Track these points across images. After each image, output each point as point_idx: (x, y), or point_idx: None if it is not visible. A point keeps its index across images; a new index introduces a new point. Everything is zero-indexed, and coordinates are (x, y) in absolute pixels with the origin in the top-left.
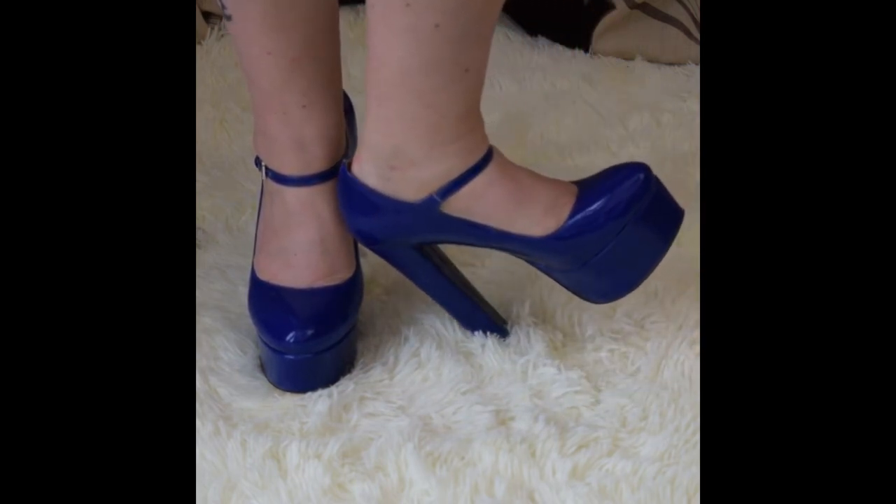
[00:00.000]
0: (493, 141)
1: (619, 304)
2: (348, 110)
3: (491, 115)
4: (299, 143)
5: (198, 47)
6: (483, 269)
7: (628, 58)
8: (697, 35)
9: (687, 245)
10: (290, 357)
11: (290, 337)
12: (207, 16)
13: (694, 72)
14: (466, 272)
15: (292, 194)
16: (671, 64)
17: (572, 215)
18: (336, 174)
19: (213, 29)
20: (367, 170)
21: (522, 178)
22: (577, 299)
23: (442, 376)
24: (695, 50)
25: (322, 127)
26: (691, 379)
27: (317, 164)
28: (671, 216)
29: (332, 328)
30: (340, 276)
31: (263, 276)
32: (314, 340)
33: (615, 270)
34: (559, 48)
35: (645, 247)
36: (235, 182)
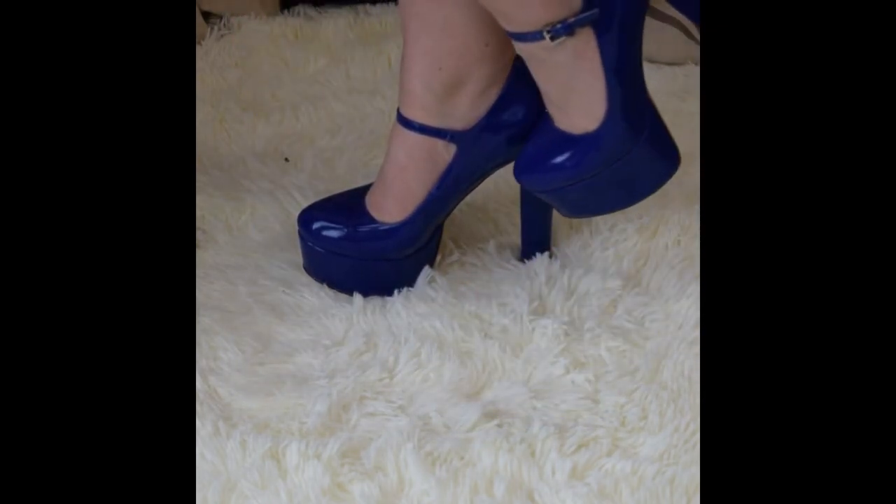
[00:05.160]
0: None
1: (620, 302)
2: None
3: None
4: None
5: (198, 47)
6: (481, 267)
7: None
8: (697, 35)
9: (687, 245)
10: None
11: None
12: (207, 16)
13: (694, 72)
14: (465, 270)
15: None
16: (671, 64)
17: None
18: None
19: (213, 29)
20: None
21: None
22: (576, 295)
23: (442, 376)
24: (695, 50)
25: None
26: (691, 379)
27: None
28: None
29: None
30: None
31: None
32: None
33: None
34: None
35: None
36: (235, 182)
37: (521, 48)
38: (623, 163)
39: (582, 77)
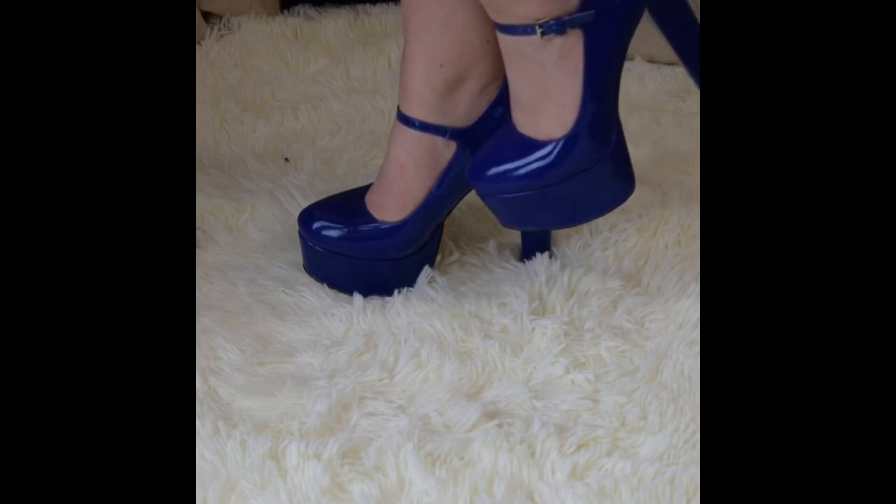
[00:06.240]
0: None
1: (620, 302)
2: None
3: None
4: None
5: (198, 47)
6: (481, 267)
7: (628, 58)
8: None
9: (687, 245)
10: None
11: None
12: (207, 16)
13: None
14: (465, 270)
15: None
16: (671, 64)
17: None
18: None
19: (213, 29)
20: None
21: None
22: (576, 295)
23: (442, 376)
24: None
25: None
26: (691, 379)
27: None
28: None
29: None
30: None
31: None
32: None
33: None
34: None
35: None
36: (235, 182)
37: (506, 42)
38: (581, 178)
39: (560, 79)
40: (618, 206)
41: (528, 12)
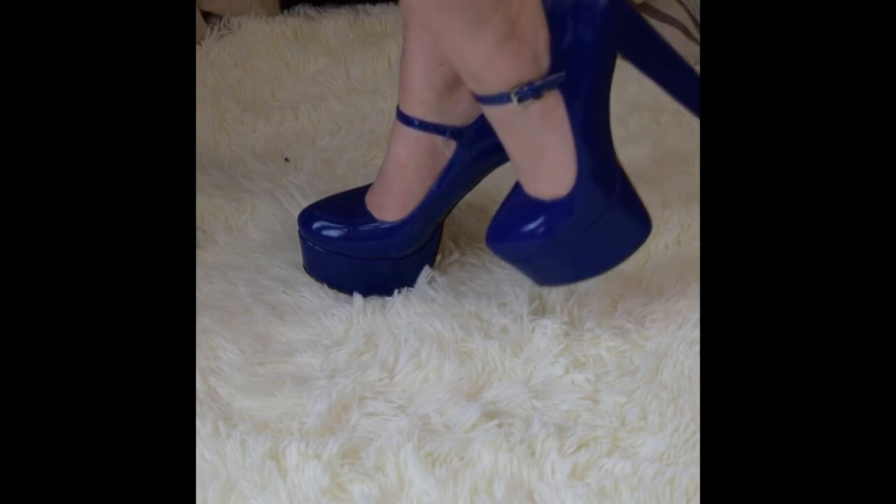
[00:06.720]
0: None
1: (620, 302)
2: None
3: None
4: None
5: (198, 47)
6: (481, 267)
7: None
8: (697, 35)
9: (687, 245)
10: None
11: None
12: (207, 16)
13: None
14: (465, 270)
15: None
16: None
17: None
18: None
19: (213, 29)
20: None
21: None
22: (576, 295)
23: (442, 376)
24: (695, 50)
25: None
26: (691, 379)
27: None
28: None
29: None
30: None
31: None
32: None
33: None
34: None
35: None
36: (235, 182)
37: (489, 112)
38: (595, 228)
39: (550, 141)
40: (639, 246)
41: (501, 79)
